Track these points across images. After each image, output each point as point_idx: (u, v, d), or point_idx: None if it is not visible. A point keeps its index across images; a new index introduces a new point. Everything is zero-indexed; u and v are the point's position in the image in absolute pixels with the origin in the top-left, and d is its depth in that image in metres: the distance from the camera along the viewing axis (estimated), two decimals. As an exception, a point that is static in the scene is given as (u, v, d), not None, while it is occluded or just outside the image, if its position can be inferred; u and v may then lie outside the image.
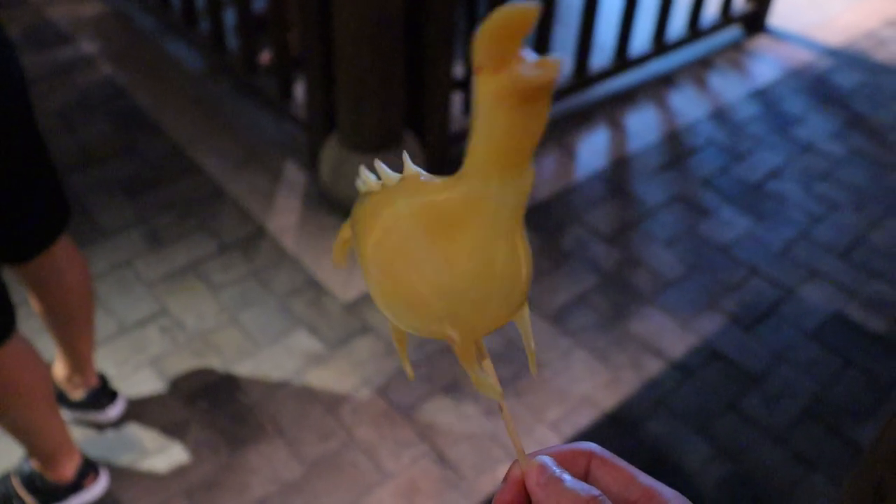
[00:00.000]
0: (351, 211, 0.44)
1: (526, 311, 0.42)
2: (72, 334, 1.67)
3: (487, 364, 0.43)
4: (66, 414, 1.79)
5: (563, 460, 0.42)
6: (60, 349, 1.71)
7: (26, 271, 1.51)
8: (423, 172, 0.40)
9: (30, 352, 1.42)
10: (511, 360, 1.95)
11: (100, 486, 1.67)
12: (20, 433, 1.50)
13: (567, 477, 0.40)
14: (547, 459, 0.41)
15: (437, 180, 0.39)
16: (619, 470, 0.41)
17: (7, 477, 1.65)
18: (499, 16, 0.32)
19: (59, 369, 1.75)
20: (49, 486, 1.61)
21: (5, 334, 1.34)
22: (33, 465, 1.61)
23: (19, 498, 1.62)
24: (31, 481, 1.62)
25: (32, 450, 1.55)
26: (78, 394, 1.77)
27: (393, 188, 0.41)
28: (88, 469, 1.65)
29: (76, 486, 1.63)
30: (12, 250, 1.43)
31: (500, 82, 0.32)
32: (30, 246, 1.45)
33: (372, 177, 0.43)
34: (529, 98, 0.33)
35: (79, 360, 1.73)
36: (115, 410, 1.81)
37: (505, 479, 0.42)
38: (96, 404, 1.79)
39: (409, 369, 0.47)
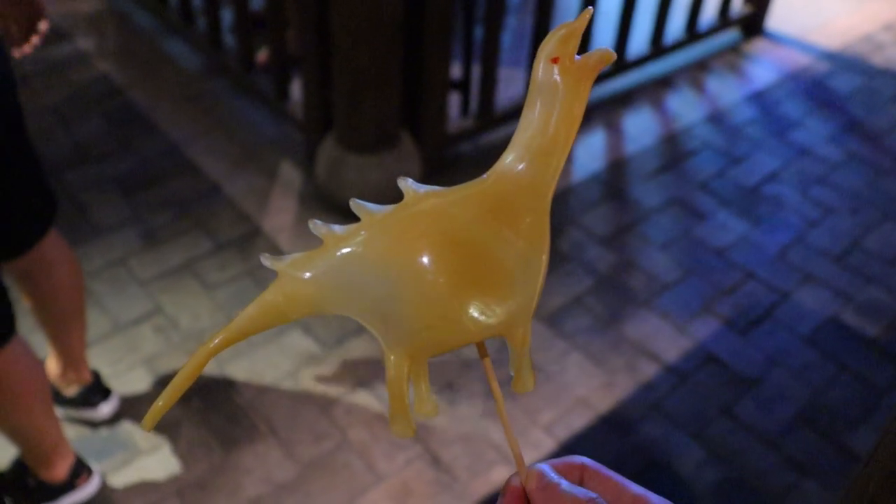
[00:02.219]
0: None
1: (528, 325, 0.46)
2: (63, 331, 1.66)
3: (487, 363, 0.47)
4: (58, 411, 1.78)
5: (558, 469, 0.44)
6: (53, 346, 1.71)
7: (16, 267, 1.51)
8: (436, 187, 0.45)
9: (29, 354, 1.42)
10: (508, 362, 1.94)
11: (92, 485, 1.66)
12: (17, 434, 1.50)
13: (564, 482, 0.42)
14: (545, 466, 0.43)
15: (458, 188, 0.45)
16: (610, 481, 0.43)
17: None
18: (569, 23, 0.43)
19: (52, 366, 1.75)
20: (42, 486, 1.61)
21: (6, 337, 1.34)
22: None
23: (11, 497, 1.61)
24: (23, 480, 1.61)
25: (27, 450, 1.55)
26: (71, 390, 1.77)
27: (407, 212, 0.44)
28: (81, 469, 1.64)
29: (69, 485, 1.62)
30: (1, 245, 1.43)
31: (579, 64, 0.43)
32: (18, 240, 1.45)
33: (328, 228, 0.45)
34: (592, 75, 0.44)
35: (71, 356, 1.72)
36: (107, 408, 1.81)
37: (504, 490, 0.44)
38: (89, 401, 1.78)
39: (430, 404, 0.48)
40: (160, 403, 0.44)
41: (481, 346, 0.46)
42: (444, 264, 0.42)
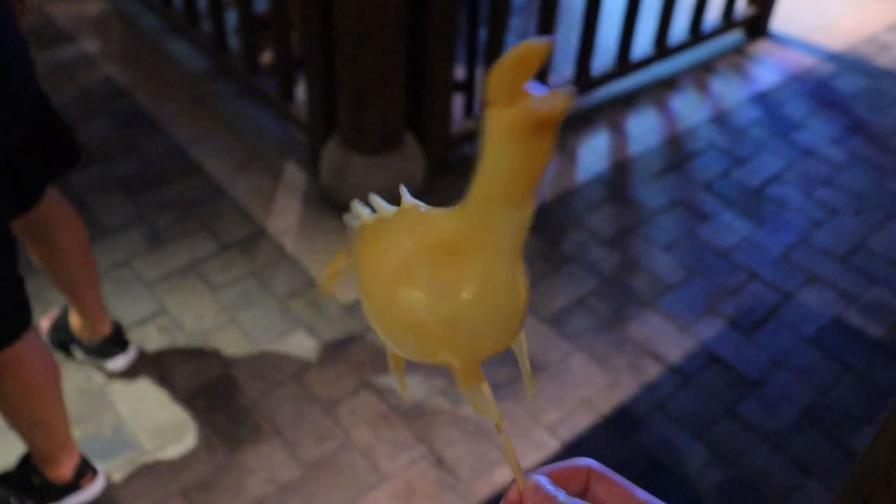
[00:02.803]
0: (346, 241, 0.45)
1: (522, 336, 0.44)
2: (76, 289, 1.75)
3: (485, 388, 0.43)
4: (78, 354, 1.89)
5: (563, 477, 0.43)
6: (70, 302, 1.79)
7: (26, 227, 1.57)
8: (423, 204, 0.41)
9: (43, 348, 1.45)
10: (509, 364, 1.95)
11: (97, 486, 1.67)
12: (27, 427, 1.51)
13: (561, 494, 0.41)
14: (541, 479, 0.42)
15: (439, 211, 0.40)
16: (616, 486, 0.42)
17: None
18: (515, 52, 0.33)
19: (73, 317, 1.83)
20: (47, 485, 1.61)
21: (21, 329, 1.36)
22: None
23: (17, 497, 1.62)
24: (28, 480, 1.62)
25: (35, 445, 1.56)
26: (90, 341, 1.85)
27: (392, 219, 0.41)
28: (86, 469, 1.65)
29: (73, 485, 1.63)
30: (16, 193, 1.46)
31: (511, 115, 0.33)
32: (32, 188, 1.49)
33: (366, 210, 0.44)
34: (538, 130, 0.34)
35: (88, 311, 1.80)
36: (120, 361, 1.88)
37: (503, 502, 0.43)
38: (106, 352, 1.88)
39: (406, 392, 0.48)
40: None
41: (479, 373, 0.45)
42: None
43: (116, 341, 1.89)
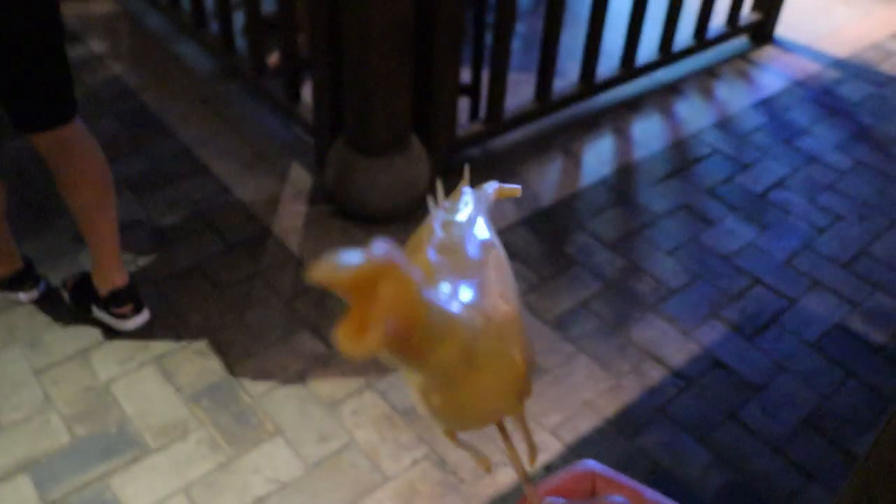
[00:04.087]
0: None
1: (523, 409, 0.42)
2: (90, 221, 1.86)
3: (509, 444, 0.44)
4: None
5: (568, 487, 0.42)
6: (88, 243, 1.94)
7: (41, 148, 1.76)
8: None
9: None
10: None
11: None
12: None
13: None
14: (553, 500, 0.41)
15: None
16: (623, 488, 0.42)
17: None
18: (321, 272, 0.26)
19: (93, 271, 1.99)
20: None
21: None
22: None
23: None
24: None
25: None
26: (102, 291, 1.98)
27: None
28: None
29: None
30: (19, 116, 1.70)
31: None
32: (36, 118, 1.71)
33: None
34: (394, 348, 0.29)
35: (100, 251, 1.92)
36: (140, 319, 2.02)
37: None
38: (115, 312, 1.99)
39: (485, 462, 0.46)
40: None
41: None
42: None
43: (130, 295, 1.99)
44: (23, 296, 2.07)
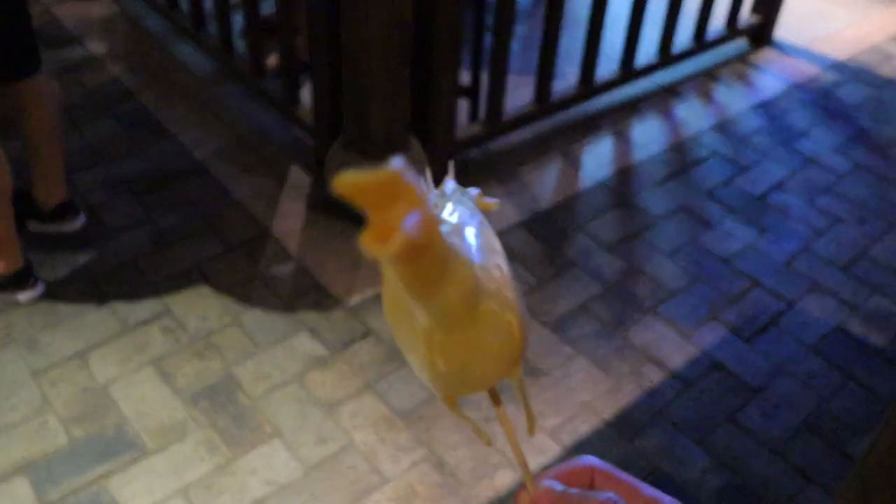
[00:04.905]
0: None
1: (520, 371, 0.43)
2: (40, 153, 2.13)
3: (502, 411, 0.45)
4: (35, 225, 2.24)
5: (567, 480, 0.43)
6: (34, 168, 2.16)
7: (20, 94, 2.02)
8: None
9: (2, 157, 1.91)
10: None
11: (78, 222, 2.25)
12: None
13: (574, 490, 0.41)
14: (551, 482, 0.42)
15: None
16: (622, 483, 0.42)
17: None
18: (372, 178, 0.28)
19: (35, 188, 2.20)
20: None
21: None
22: None
23: None
24: None
25: None
26: (47, 207, 2.21)
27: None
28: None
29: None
30: None
31: (385, 250, 0.29)
32: (19, 68, 1.98)
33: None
34: (413, 256, 0.30)
35: (47, 176, 2.16)
36: (79, 222, 2.27)
37: None
38: (62, 217, 2.24)
39: (484, 436, 0.48)
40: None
41: (496, 395, 0.45)
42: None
43: (71, 207, 2.25)
44: (21, 296, 2.07)
